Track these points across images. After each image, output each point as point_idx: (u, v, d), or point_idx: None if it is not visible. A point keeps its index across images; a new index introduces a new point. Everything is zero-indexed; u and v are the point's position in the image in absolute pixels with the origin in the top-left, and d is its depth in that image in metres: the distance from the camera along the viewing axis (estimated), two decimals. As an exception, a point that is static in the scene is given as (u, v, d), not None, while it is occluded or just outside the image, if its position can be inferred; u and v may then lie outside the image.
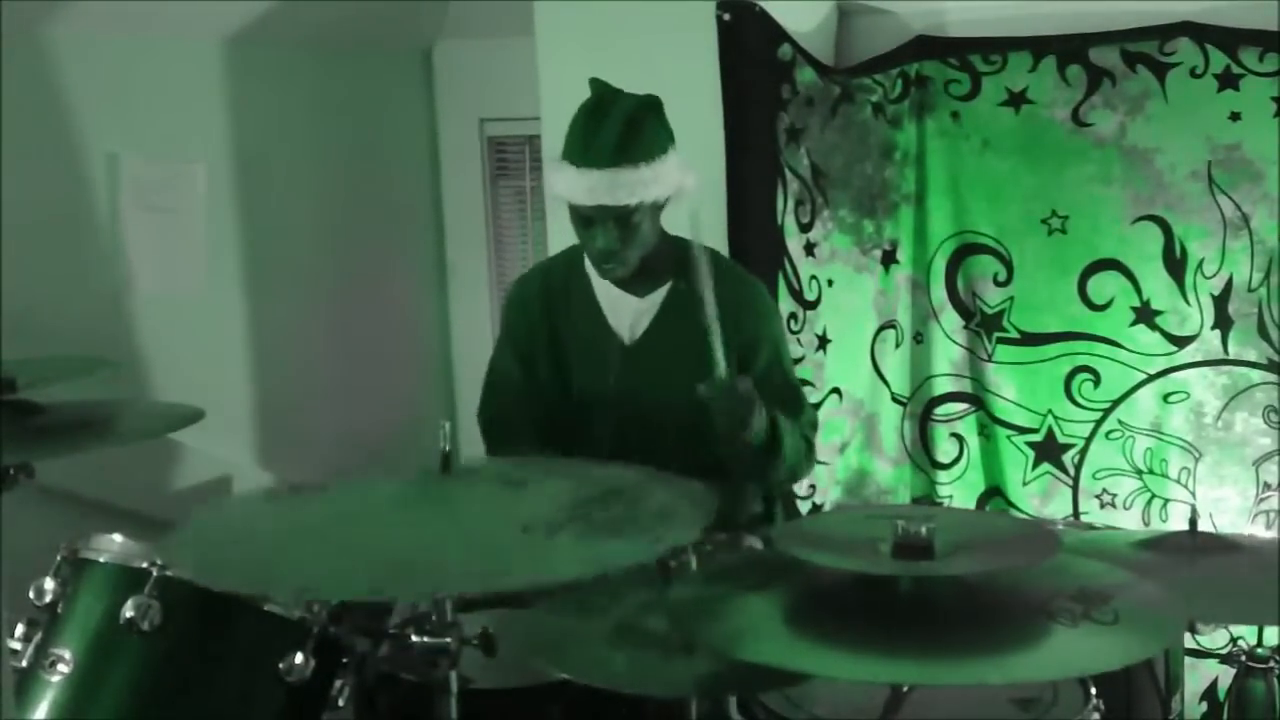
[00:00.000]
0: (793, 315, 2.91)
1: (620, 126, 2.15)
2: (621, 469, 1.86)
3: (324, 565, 1.56)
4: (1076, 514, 3.11)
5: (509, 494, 1.74)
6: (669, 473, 1.84)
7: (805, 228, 2.96)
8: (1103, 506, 3.10)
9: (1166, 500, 3.04)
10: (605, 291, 2.33)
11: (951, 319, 3.18)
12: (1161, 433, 3.03)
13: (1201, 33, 2.86)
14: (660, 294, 2.31)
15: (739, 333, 2.27)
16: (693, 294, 2.12)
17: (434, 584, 1.55)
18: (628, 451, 1.99)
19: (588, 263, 2.32)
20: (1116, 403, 3.06)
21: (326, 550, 1.60)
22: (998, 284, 3.12)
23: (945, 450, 3.23)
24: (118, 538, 1.80)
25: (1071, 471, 3.11)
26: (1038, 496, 3.15)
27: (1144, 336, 3.02)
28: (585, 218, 2.21)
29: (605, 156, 2.15)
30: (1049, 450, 3.12)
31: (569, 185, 2.18)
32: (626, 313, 2.33)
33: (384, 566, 1.53)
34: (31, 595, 1.74)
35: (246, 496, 1.91)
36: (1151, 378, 3.03)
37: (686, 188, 2.23)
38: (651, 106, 2.21)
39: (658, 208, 2.23)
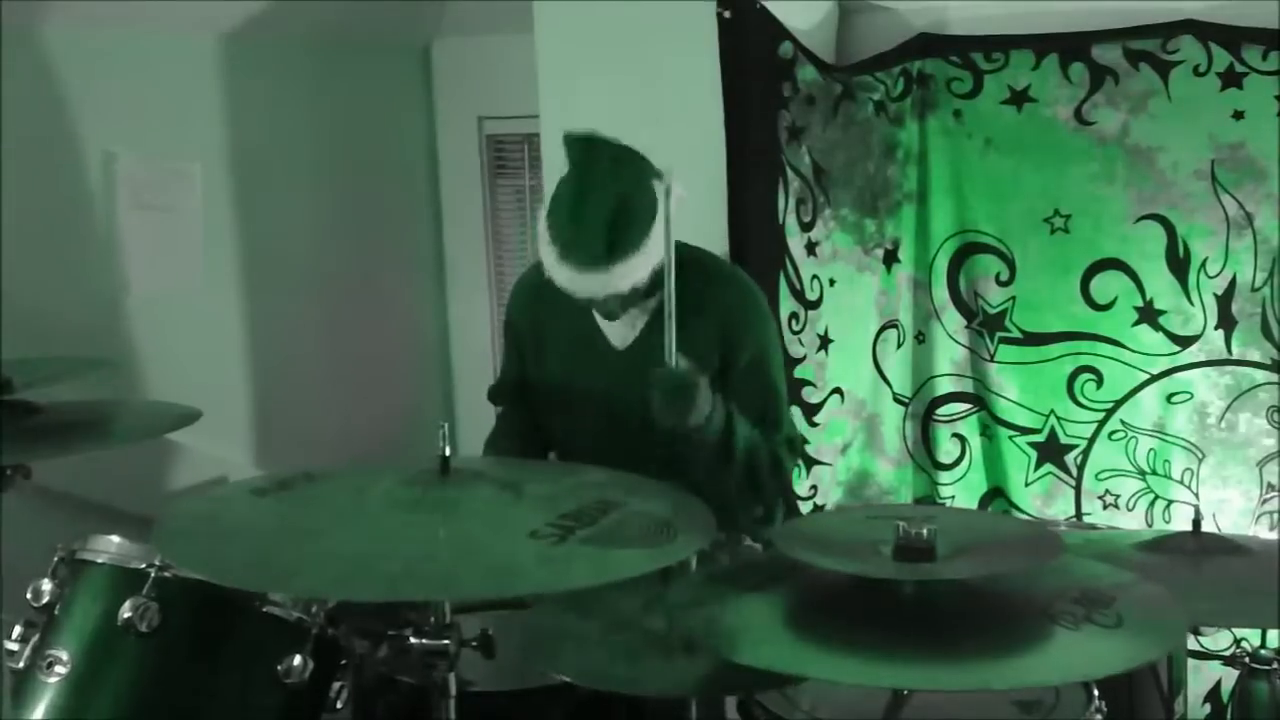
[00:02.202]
0: (794, 315, 2.90)
1: (605, 233, 2.10)
2: (611, 474, 1.85)
3: (334, 570, 1.55)
4: (1079, 515, 3.10)
5: (507, 498, 1.73)
6: (654, 478, 1.84)
7: (807, 227, 2.95)
8: (1105, 507, 3.09)
9: (1170, 501, 3.03)
10: None
11: (953, 318, 3.17)
12: (1164, 433, 3.02)
13: (1205, 31, 2.85)
14: (653, 301, 2.30)
15: (723, 335, 2.26)
16: (686, 301, 2.11)
17: (448, 592, 1.54)
18: (614, 455, 1.98)
19: None
20: (1119, 403, 3.05)
21: (334, 554, 1.58)
22: (1000, 283, 3.11)
23: (947, 450, 3.22)
24: (115, 539, 1.78)
25: (1074, 472, 3.10)
26: (1040, 497, 3.14)
27: (1147, 336, 3.01)
28: None
29: (595, 261, 2.11)
30: (1051, 451, 3.11)
31: (559, 273, 2.15)
32: (619, 319, 2.32)
33: (397, 573, 1.52)
34: (29, 596, 1.73)
35: (233, 493, 1.89)
36: (1154, 378, 3.02)
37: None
38: (630, 195, 2.12)
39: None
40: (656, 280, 2.26)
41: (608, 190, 2.12)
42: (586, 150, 2.16)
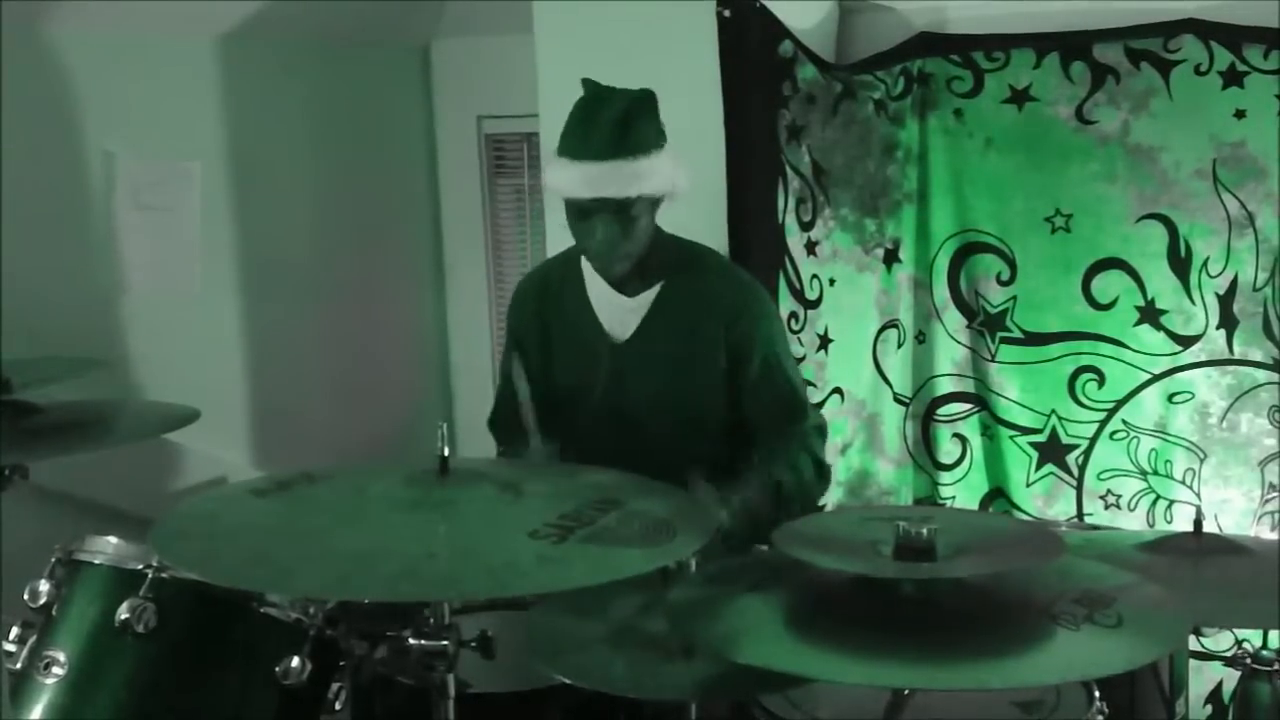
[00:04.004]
0: (794, 315, 2.89)
1: (617, 119, 2.16)
2: (613, 475, 1.84)
3: (334, 570, 1.55)
4: (1080, 515, 3.10)
5: (507, 498, 1.72)
6: (657, 470, 1.84)
7: (806, 226, 2.94)
8: (1107, 508, 3.08)
9: (1171, 501, 3.02)
10: (597, 290, 2.32)
11: (954, 318, 3.17)
12: (1166, 433, 3.02)
13: (1206, 30, 2.85)
14: (651, 294, 2.30)
15: (732, 331, 2.26)
16: (685, 292, 2.10)
17: (448, 592, 1.54)
18: (616, 449, 1.97)
19: (583, 262, 2.31)
20: (1121, 403, 3.04)
21: (333, 554, 1.58)
22: (1001, 283, 3.11)
23: (948, 451, 3.22)
24: (112, 539, 1.78)
25: (1075, 472, 3.10)
26: (1041, 497, 3.14)
27: (1148, 336, 3.01)
28: (583, 211, 2.20)
29: (603, 149, 2.15)
30: (1053, 451, 3.11)
31: (568, 179, 2.18)
32: (617, 311, 2.32)
33: (397, 573, 1.52)
34: (26, 597, 1.73)
35: (232, 493, 1.89)
36: (1156, 378, 3.01)
37: (679, 187, 2.22)
38: (646, 101, 2.21)
39: (654, 204, 2.22)
40: (654, 264, 2.26)
41: (620, 96, 2.19)
42: (601, 85, 2.22)
